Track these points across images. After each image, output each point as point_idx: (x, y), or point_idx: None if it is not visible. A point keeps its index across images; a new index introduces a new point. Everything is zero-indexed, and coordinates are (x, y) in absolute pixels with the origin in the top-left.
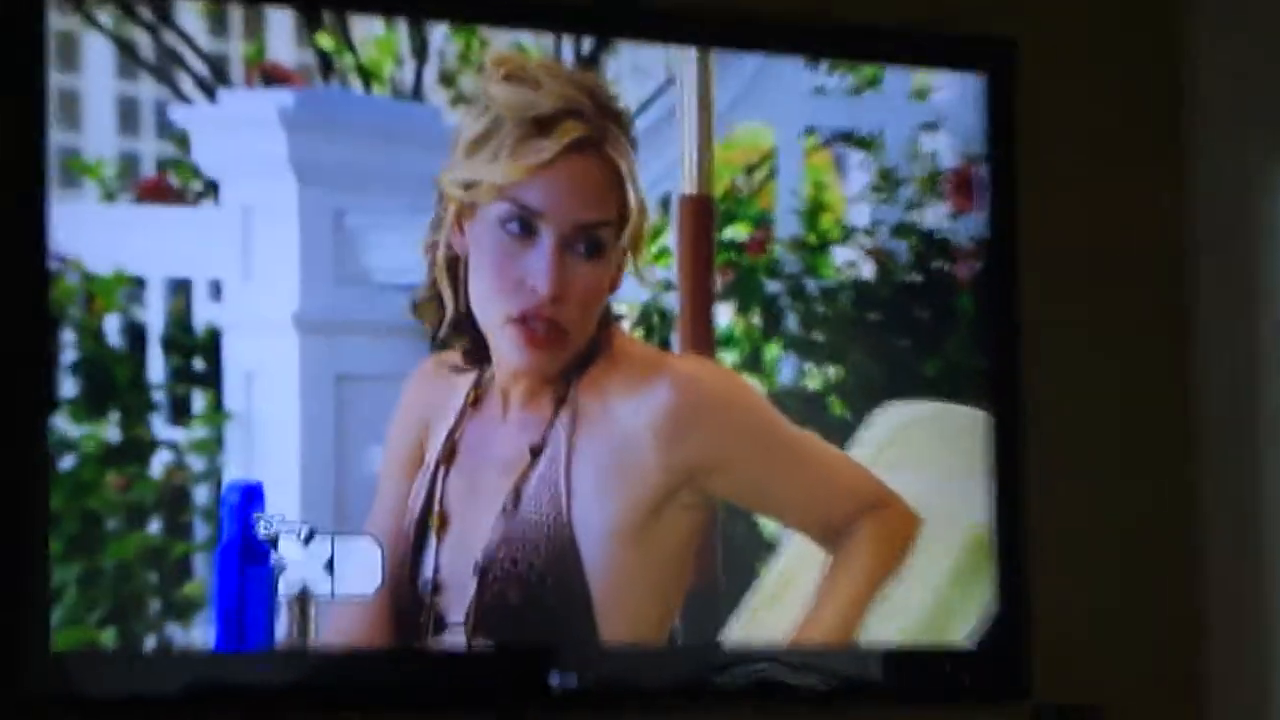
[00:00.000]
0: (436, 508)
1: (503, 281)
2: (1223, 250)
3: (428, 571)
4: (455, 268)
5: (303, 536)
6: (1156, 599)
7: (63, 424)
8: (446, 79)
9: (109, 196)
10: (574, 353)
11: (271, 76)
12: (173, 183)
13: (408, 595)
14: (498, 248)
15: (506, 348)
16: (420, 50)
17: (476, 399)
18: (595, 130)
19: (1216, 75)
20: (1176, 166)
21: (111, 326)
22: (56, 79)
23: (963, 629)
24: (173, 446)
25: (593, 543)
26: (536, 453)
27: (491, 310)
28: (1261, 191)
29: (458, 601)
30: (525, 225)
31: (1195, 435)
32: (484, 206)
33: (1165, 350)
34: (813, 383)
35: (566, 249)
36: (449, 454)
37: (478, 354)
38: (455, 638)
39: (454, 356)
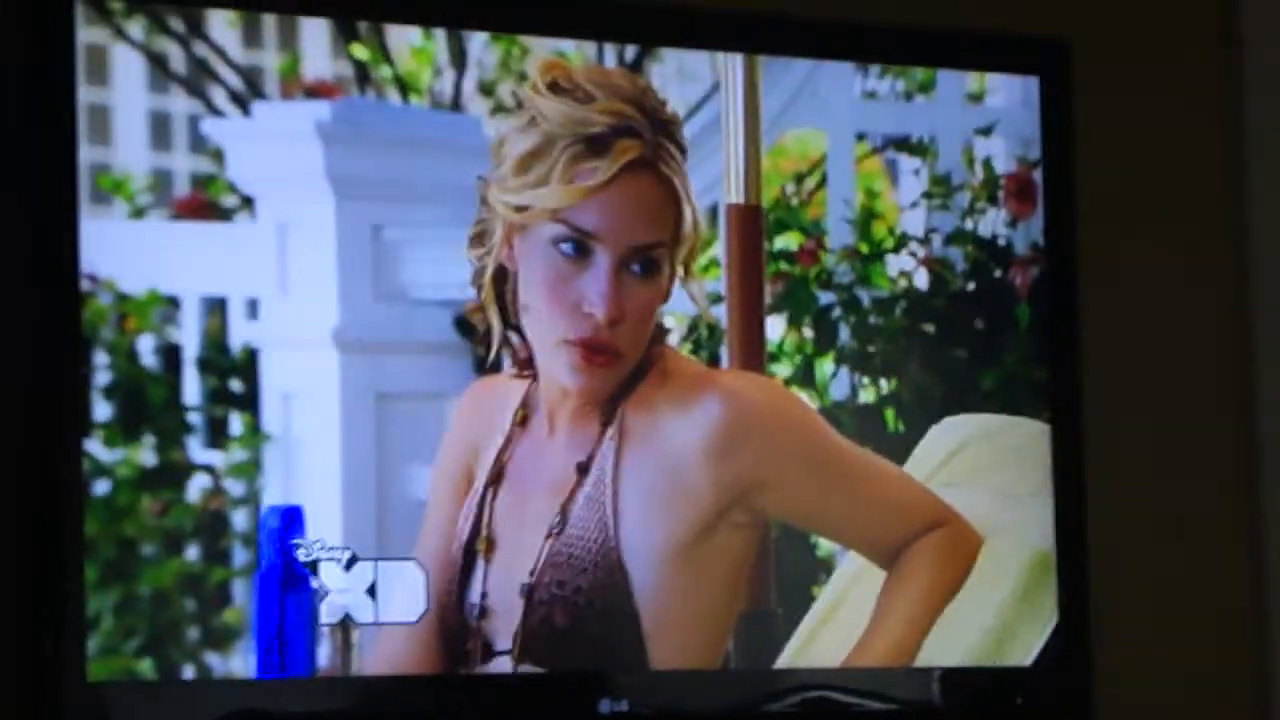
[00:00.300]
0: (484, 531)
1: (557, 304)
2: None
3: (475, 596)
4: (502, 282)
5: (344, 561)
6: (1222, 618)
7: (96, 448)
8: (486, 88)
9: (137, 213)
10: (627, 369)
11: (307, 90)
12: (207, 199)
13: (455, 621)
14: (551, 269)
15: (559, 369)
16: (459, 59)
17: (524, 419)
18: (649, 148)
19: (1272, 67)
20: (1237, 168)
21: (145, 347)
22: (86, 93)
23: (1024, 650)
24: (210, 470)
25: (641, 564)
26: (583, 471)
27: (544, 331)
28: None
29: (505, 627)
30: (579, 247)
31: (1260, 449)
32: (535, 225)
33: (1230, 359)
34: (867, 397)
35: (622, 270)
36: (496, 476)
37: (530, 366)
38: (503, 664)
39: (505, 373)
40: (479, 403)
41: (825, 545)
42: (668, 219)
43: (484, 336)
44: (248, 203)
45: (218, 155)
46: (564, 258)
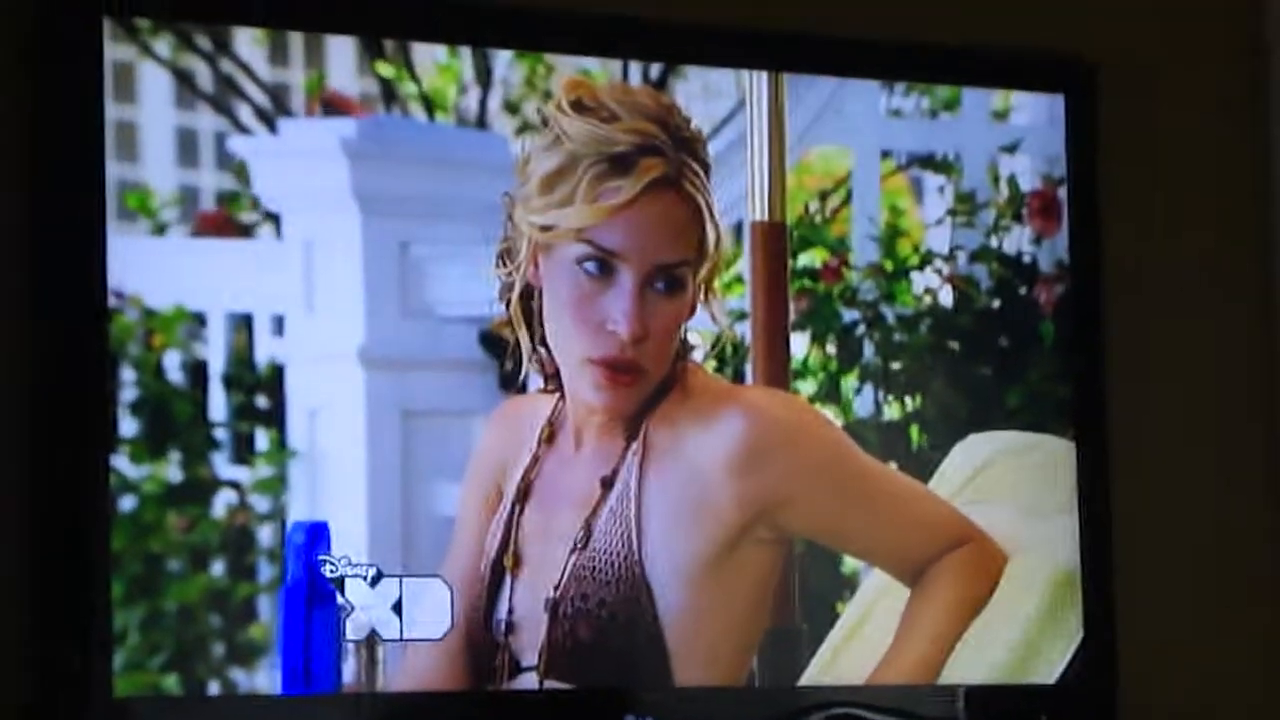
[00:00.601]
0: (512, 547)
1: (582, 323)
2: None
3: (502, 613)
4: (529, 299)
5: (370, 578)
6: (1249, 638)
7: (123, 464)
8: (511, 106)
9: (159, 230)
10: (651, 386)
11: (331, 105)
12: (233, 216)
13: (482, 637)
14: (575, 287)
15: (584, 387)
16: (484, 77)
17: (551, 435)
18: (673, 167)
19: None
20: (1263, 187)
21: (171, 363)
22: (114, 110)
23: (1050, 668)
24: (236, 486)
25: (665, 579)
26: (607, 486)
27: (569, 350)
28: None
29: (531, 642)
30: (603, 266)
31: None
32: (560, 244)
33: (1258, 374)
34: (891, 414)
35: (646, 288)
36: (524, 493)
37: (556, 381)
38: (529, 680)
39: (533, 392)
40: (508, 421)
41: (850, 562)
42: (691, 237)
43: (512, 352)
44: (274, 219)
45: (243, 172)
46: (588, 277)
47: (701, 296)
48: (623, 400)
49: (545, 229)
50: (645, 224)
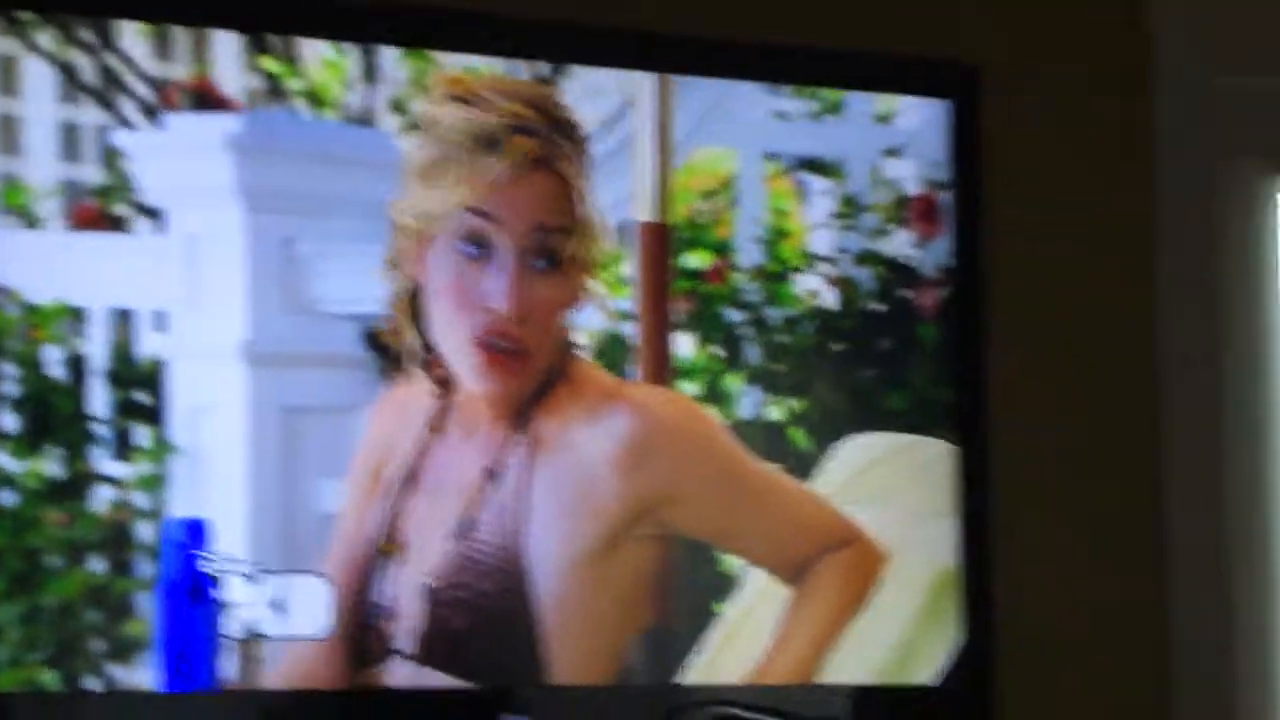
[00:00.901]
0: (393, 534)
1: (463, 306)
2: (1192, 276)
3: (380, 598)
4: (416, 300)
5: (249, 575)
6: (1126, 637)
7: (3, 459)
8: (398, 104)
9: (33, 224)
10: (536, 376)
11: (209, 100)
12: (104, 210)
13: (361, 622)
14: (455, 272)
15: (468, 372)
16: (370, 74)
17: (437, 424)
18: (545, 146)
19: (1185, 97)
20: (1145, 192)
21: (52, 358)
22: None
23: (929, 668)
24: (116, 482)
25: (545, 572)
26: (492, 477)
27: (452, 335)
28: (1233, 214)
29: (406, 627)
30: (481, 245)
31: (1166, 469)
32: (439, 234)
33: (1136, 379)
34: (775, 414)
35: (524, 264)
36: (408, 480)
37: (444, 383)
38: (405, 668)
39: (421, 387)
40: (395, 408)
41: (730, 561)
42: (565, 213)
43: (397, 357)
44: (156, 214)
45: (126, 167)
46: (467, 259)
47: (582, 280)
48: (507, 385)
49: (422, 216)
50: (518, 196)
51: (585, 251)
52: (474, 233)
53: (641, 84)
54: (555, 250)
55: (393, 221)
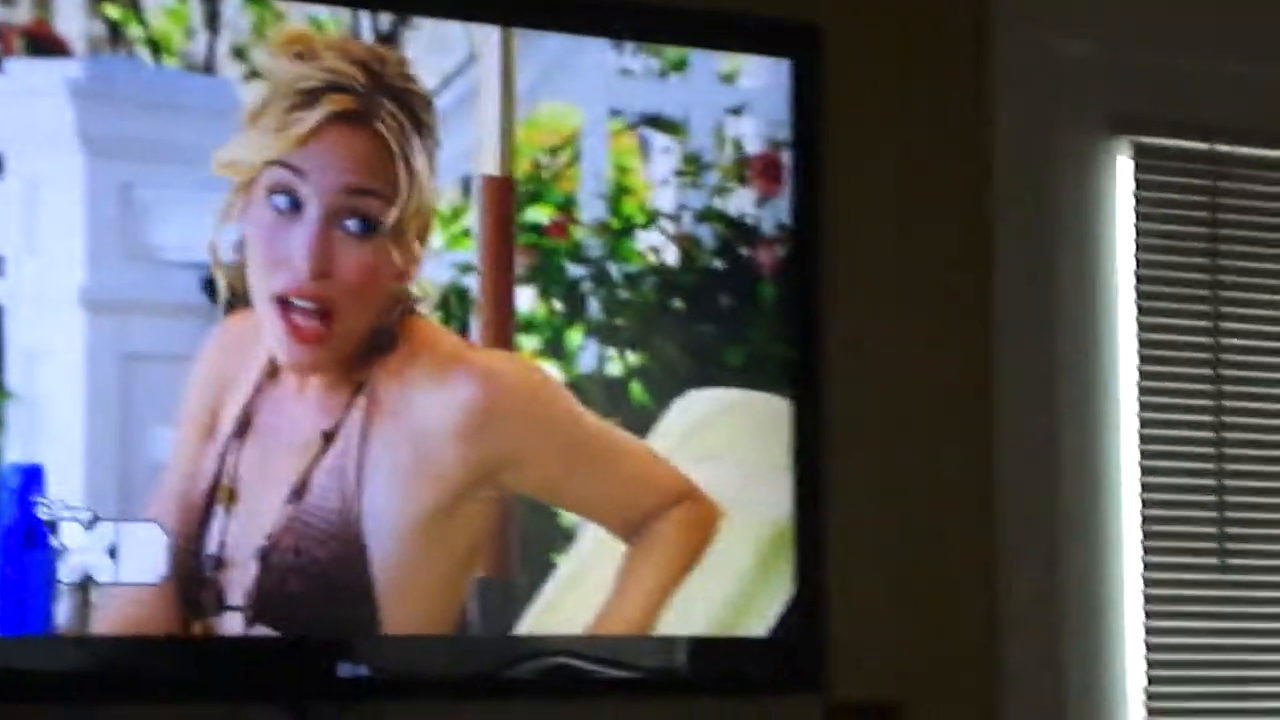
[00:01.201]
0: (226, 481)
1: (269, 258)
2: (1029, 236)
3: (212, 547)
4: (241, 249)
5: (85, 521)
6: (955, 593)
7: None
8: (239, 52)
9: None
10: (352, 340)
11: (48, 45)
12: None
13: (191, 570)
14: (266, 223)
15: (271, 332)
16: (212, 22)
17: (274, 370)
18: (364, 104)
19: (1023, 58)
20: (983, 153)
21: None
22: None
23: (763, 621)
24: None
25: (382, 536)
26: (329, 439)
27: (260, 288)
28: (1069, 175)
29: (239, 583)
30: (292, 199)
31: (997, 426)
32: (257, 183)
33: (970, 338)
34: (615, 369)
35: (334, 224)
36: (243, 425)
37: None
38: (234, 621)
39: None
40: (230, 340)
41: (569, 516)
42: (381, 175)
43: (230, 301)
44: None
45: None
46: (277, 212)
47: (409, 248)
48: (311, 353)
49: (236, 165)
50: (330, 152)
51: (410, 219)
52: (282, 186)
53: (487, 38)
54: (369, 214)
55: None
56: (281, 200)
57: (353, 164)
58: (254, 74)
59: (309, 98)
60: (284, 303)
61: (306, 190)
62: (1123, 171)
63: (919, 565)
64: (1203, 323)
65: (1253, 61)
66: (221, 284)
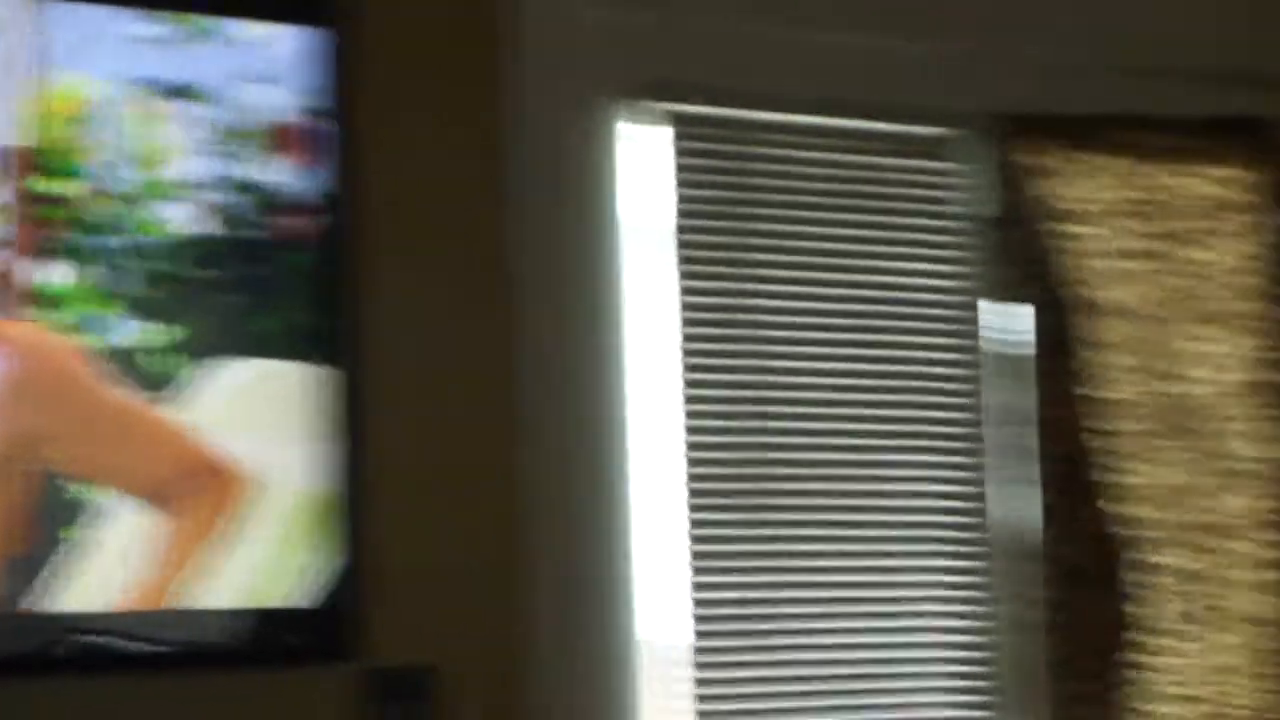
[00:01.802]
0: None
1: None
2: (544, 206)
3: None
4: None
5: None
6: (486, 560)
7: None
8: None
9: None
10: None
11: None
12: None
13: None
14: None
15: None
16: None
17: None
18: None
19: (547, 26)
20: (504, 121)
21: None
22: None
23: (299, 592)
24: None
25: None
26: None
27: None
28: (589, 142)
29: None
30: None
31: (518, 397)
32: None
33: (499, 305)
34: (146, 342)
35: None
36: None
37: None
38: None
39: None
40: None
41: (89, 489)
42: None
43: None
44: None
45: None
46: None
47: None
48: None
49: None
50: None
51: None
52: None
53: (12, 5)
54: None
55: None
56: None
57: None
58: None
59: None
60: None
61: None
62: (660, 139)
63: (450, 534)
64: (745, 285)
65: (793, 25)
66: None
